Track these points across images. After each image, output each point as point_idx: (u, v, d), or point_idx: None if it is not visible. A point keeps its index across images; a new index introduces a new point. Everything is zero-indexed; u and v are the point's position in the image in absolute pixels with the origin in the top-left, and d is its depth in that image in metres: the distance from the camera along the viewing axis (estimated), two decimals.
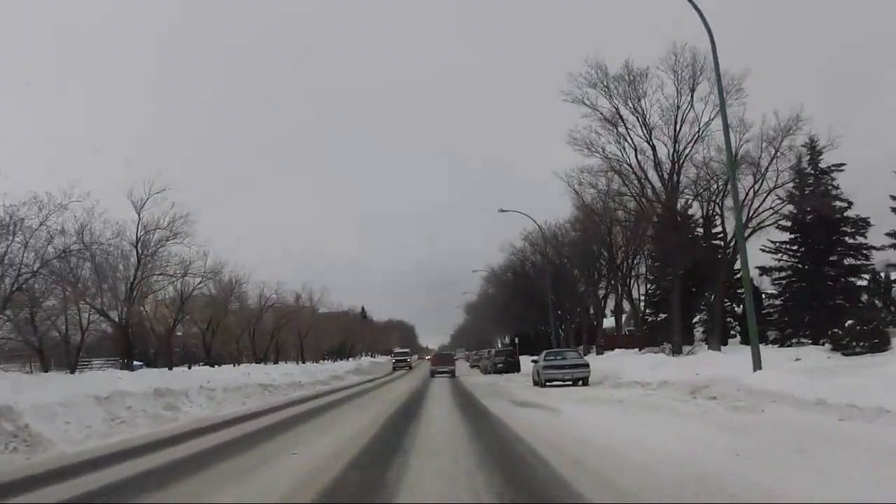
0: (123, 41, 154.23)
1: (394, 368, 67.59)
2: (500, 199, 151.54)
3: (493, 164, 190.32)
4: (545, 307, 74.16)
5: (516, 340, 69.26)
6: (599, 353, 55.55)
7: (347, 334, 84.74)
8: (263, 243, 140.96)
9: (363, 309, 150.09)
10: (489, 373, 47.59)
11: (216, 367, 42.27)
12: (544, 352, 31.08)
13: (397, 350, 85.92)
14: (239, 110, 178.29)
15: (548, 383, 28.66)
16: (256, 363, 47.79)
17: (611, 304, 64.30)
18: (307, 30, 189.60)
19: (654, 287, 62.38)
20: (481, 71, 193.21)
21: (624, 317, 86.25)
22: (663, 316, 63.97)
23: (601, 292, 58.10)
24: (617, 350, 44.90)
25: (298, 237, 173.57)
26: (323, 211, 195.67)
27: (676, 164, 37.56)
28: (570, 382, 28.50)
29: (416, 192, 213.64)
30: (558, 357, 29.84)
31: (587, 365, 28.80)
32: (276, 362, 53.45)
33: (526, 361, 48.38)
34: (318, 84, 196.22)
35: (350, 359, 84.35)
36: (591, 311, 65.25)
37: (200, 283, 35.89)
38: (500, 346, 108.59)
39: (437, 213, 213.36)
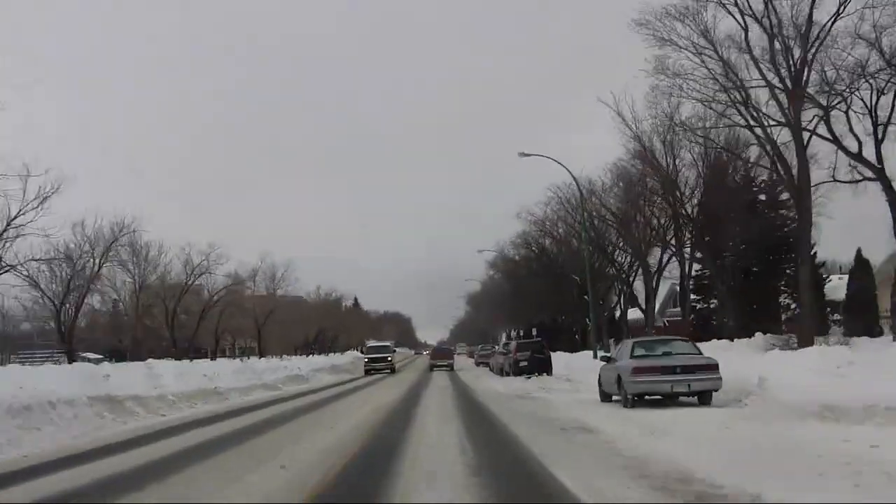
0: (121, 42, 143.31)
1: (367, 372, 43.24)
2: (500, 197, 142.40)
3: (493, 163, 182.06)
4: (568, 291, 60.81)
5: (534, 332, 55.73)
6: None
7: (332, 324, 70.77)
8: (262, 243, 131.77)
9: (356, 299, 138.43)
10: (507, 374, 34.15)
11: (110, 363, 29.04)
12: (629, 342, 17.27)
13: (372, 343, 54.83)
14: (238, 110, 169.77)
15: (637, 399, 15.26)
16: (174, 359, 34.17)
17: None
18: (308, 28, 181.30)
19: (701, 267, 48.96)
20: (482, 70, 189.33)
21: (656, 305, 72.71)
22: (713, 303, 51.12)
23: (640, 270, 44.32)
24: (713, 342, 31.23)
25: (298, 236, 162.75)
26: (323, 210, 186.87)
27: (808, 55, 23.91)
28: (666, 398, 15.21)
29: (416, 191, 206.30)
30: (659, 351, 16.28)
31: (716, 367, 15.23)
32: (212, 356, 39.82)
33: (557, 358, 35.00)
34: (318, 83, 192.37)
35: (332, 353, 70.76)
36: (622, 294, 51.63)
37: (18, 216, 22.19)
38: (504, 339, 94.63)
39: (437, 212, 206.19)
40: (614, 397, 17.30)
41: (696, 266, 50.50)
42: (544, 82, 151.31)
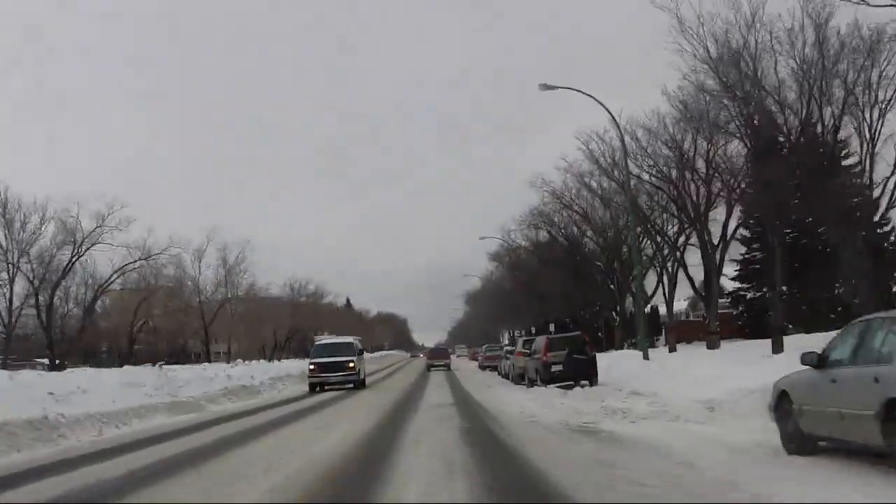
0: (122, 44, 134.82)
1: (312, 387, 27.40)
2: (503, 196, 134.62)
3: (495, 161, 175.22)
4: (591, 278, 50.88)
5: (551, 328, 45.77)
6: (712, 346, 32.27)
7: (311, 323, 60.48)
8: (259, 241, 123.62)
9: (348, 299, 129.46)
10: (532, 382, 24.31)
11: None
12: (878, 318, 7.20)
13: (324, 340, 34.21)
14: (237, 110, 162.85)
15: None
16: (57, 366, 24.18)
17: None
18: (306, 26, 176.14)
19: (753, 246, 39.22)
20: (483, 67, 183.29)
21: (687, 299, 62.31)
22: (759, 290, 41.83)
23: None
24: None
25: (295, 234, 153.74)
26: (320, 212, 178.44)
27: None
28: None
29: (415, 192, 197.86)
30: None
31: None
32: (124, 362, 29.88)
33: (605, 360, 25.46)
34: (318, 81, 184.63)
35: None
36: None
37: None
38: (506, 340, 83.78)
39: (437, 213, 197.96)
40: (823, 442, 7.57)
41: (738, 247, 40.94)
42: (545, 78, 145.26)
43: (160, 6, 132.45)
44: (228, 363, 38.36)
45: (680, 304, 61.12)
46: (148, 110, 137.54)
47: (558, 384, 22.05)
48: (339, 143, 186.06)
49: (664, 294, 39.15)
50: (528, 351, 25.66)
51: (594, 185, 39.20)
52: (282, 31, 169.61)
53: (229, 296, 41.93)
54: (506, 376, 33.45)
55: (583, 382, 22.41)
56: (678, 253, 36.00)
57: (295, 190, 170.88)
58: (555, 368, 22.34)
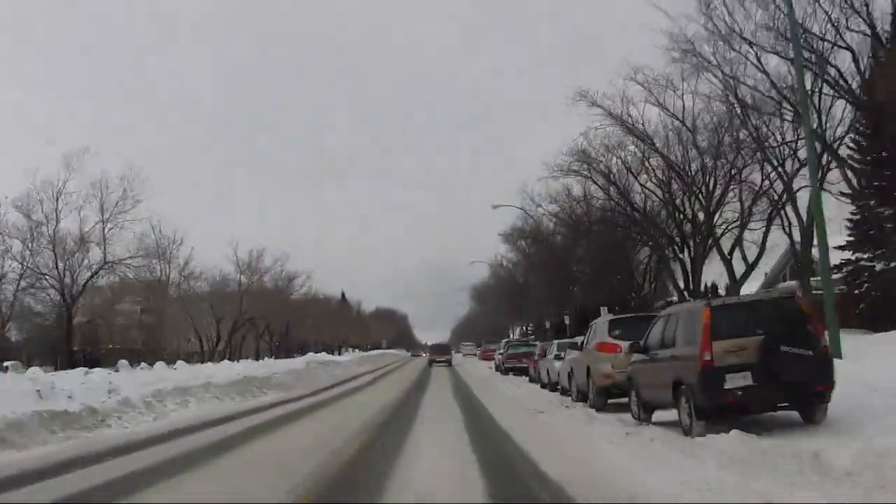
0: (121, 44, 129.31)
1: None
2: (502, 194, 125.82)
3: (494, 160, 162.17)
4: (656, 246, 37.51)
5: (603, 311, 32.11)
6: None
7: (266, 313, 46.64)
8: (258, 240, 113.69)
9: (343, 293, 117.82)
10: (644, 412, 10.88)
11: None
12: None
13: None
14: (237, 110, 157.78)
15: None
16: None
17: None
18: (306, 26, 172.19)
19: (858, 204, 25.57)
20: (484, 66, 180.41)
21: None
22: None
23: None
24: None
25: (294, 234, 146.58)
26: (320, 207, 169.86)
27: None
28: None
29: (416, 191, 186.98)
30: None
31: None
32: None
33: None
34: (318, 81, 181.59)
35: (282, 356, 47.48)
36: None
37: None
38: (513, 336, 69.91)
39: (438, 212, 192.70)
40: None
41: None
42: (548, 73, 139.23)
43: (160, 6, 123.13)
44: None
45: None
46: (148, 110, 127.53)
47: (738, 413, 8.76)
48: (339, 143, 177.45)
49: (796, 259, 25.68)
50: (635, 343, 11.63)
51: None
52: (282, 31, 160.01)
53: (108, 260, 28.66)
54: (551, 387, 20.21)
55: (785, 408, 9.19)
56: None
57: (295, 190, 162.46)
58: (734, 382, 8.79)
